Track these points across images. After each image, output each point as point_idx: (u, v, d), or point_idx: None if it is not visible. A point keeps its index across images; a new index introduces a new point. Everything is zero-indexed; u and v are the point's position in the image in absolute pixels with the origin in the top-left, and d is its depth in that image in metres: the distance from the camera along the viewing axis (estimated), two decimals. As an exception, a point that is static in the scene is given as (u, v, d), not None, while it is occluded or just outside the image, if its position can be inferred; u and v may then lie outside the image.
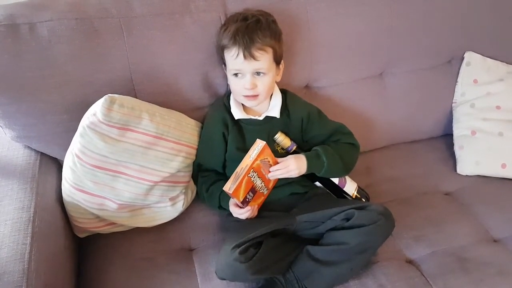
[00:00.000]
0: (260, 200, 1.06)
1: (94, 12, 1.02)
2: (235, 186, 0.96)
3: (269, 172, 1.02)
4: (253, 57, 1.00)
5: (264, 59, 1.01)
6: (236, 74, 1.05)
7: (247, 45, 0.99)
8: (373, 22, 1.24)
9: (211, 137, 1.13)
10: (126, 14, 1.03)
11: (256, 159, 0.98)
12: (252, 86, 1.04)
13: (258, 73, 1.04)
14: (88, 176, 1.00)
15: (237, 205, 1.03)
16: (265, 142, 1.00)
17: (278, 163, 1.04)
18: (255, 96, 1.06)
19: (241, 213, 1.02)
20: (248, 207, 1.02)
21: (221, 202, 1.10)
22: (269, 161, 1.03)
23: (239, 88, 1.06)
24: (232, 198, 1.01)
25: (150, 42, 1.05)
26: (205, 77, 1.14)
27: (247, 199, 1.00)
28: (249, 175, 0.98)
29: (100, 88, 1.03)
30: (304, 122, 1.13)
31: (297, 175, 1.04)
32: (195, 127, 1.15)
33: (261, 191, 1.04)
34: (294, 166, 1.03)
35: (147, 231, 1.12)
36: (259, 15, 1.03)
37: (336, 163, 1.08)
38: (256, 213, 1.05)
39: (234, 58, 1.01)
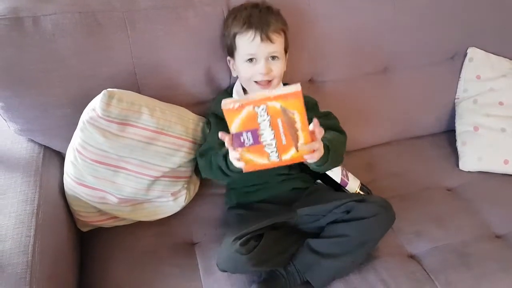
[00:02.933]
0: (261, 164, 0.79)
1: (97, 5, 1.02)
2: (232, 106, 0.71)
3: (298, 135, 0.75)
4: (270, 39, 0.99)
5: (279, 42, 1.02)
6: (250, 60, 1.03)
7: (264, 27, 0.99)
8: (377, 17, 1.24)
9: (218, 126, 1.08)
10: (129, 8, 1.03)
11: (278, 98, 0.70)
12: (268, 71, 1.02)
13: (273, 57, 1.02)
14: (89, 170, 1.00)
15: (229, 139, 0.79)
16: (300, 88, 0.71)
17: (307, 122, 0.75)
18: (270, 81, 1.04)
19: (229, 146, 0.80)
20: (237, 153, 0.78)
21: (219, 160, 0.94)
22: (294, 117, 0.73)
23: (252, 74, 1.03)
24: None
25: (153, 36, 1.05)
26: (207, 71, 1.14)
27: (242, 140, 0.75)
28: (256, 108, 0.72)
29: (103, 82, 1.02)
30: None
31: (316, 159, 0.85)
32: (197, 122, 1.15)
33: (266, 150, 0.76)
34: (318, 154, 0.84)
35: (150, 225, 1.12)
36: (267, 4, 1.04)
37: (336, 155, 0.97)
38: (247, 168, 0.81)
39: (250, 41, 1.00)
